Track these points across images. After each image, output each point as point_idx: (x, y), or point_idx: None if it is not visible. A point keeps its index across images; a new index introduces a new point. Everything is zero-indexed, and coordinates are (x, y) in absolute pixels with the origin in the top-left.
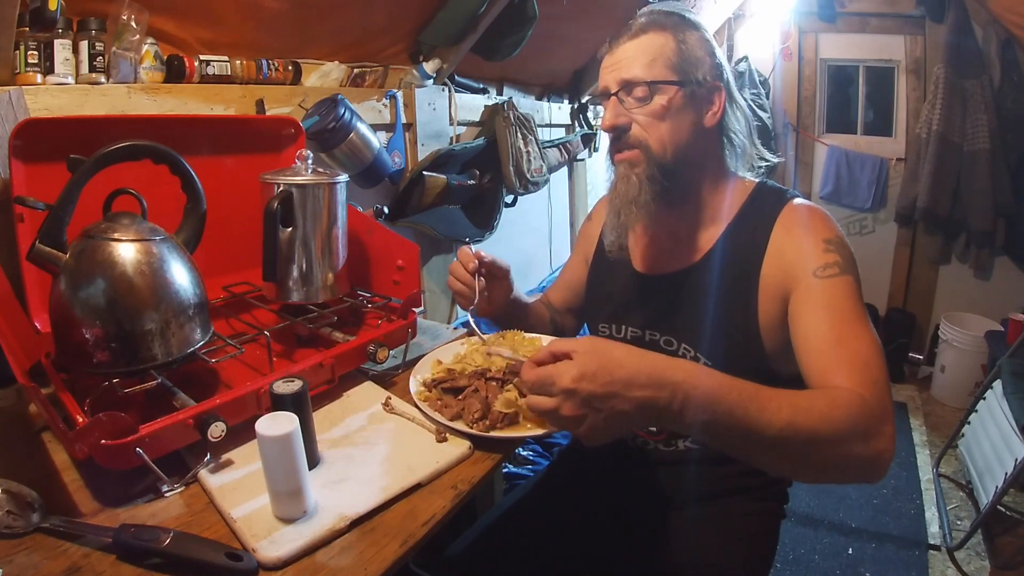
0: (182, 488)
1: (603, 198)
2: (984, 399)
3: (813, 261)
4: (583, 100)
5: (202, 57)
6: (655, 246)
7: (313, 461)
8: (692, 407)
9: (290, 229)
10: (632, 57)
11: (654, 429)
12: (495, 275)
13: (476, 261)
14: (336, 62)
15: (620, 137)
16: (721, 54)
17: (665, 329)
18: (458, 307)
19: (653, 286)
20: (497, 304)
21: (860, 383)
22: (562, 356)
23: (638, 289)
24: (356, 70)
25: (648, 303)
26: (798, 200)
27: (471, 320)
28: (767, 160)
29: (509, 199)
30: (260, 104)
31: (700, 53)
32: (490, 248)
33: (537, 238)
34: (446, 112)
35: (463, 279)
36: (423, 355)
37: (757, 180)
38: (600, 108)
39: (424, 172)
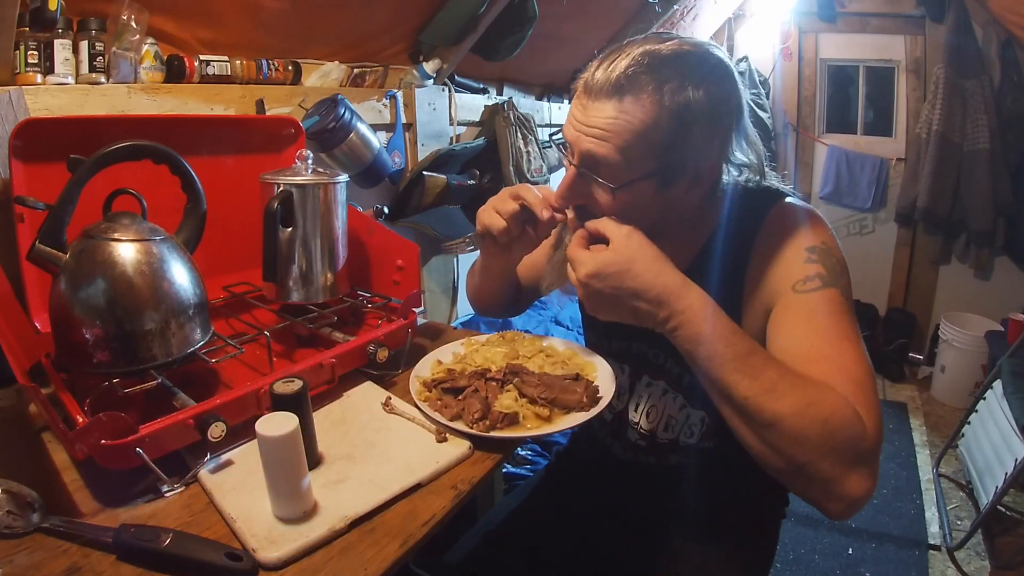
0: (182, 488)
1: None
2: (984, 399)
3: (794, 273)
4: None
5: (202, 57)
6: None
7: (313, 461)
8: (680, 335)
9: (290, 229)
10: (606, 127)
11: (643, 444)
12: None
13: (550, 209)
14: (336, 62)
15: (580, 217)
16: (738, 101)
17: (650, 341)
18: (459, 307)
19: None
20: (504, 260)
21: (850, 392)
22: (600, 239)
23: None
24: (356, 70)
25: None
26: (789, 200)
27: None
28: (774, 184)
29: None
30: (260, 104)
31: (702, 133)
32: None
33: None
34: (446, 112)
35: (532, 203)
36: (423, 355)
37: (744, 181)
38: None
39: (424, 172)
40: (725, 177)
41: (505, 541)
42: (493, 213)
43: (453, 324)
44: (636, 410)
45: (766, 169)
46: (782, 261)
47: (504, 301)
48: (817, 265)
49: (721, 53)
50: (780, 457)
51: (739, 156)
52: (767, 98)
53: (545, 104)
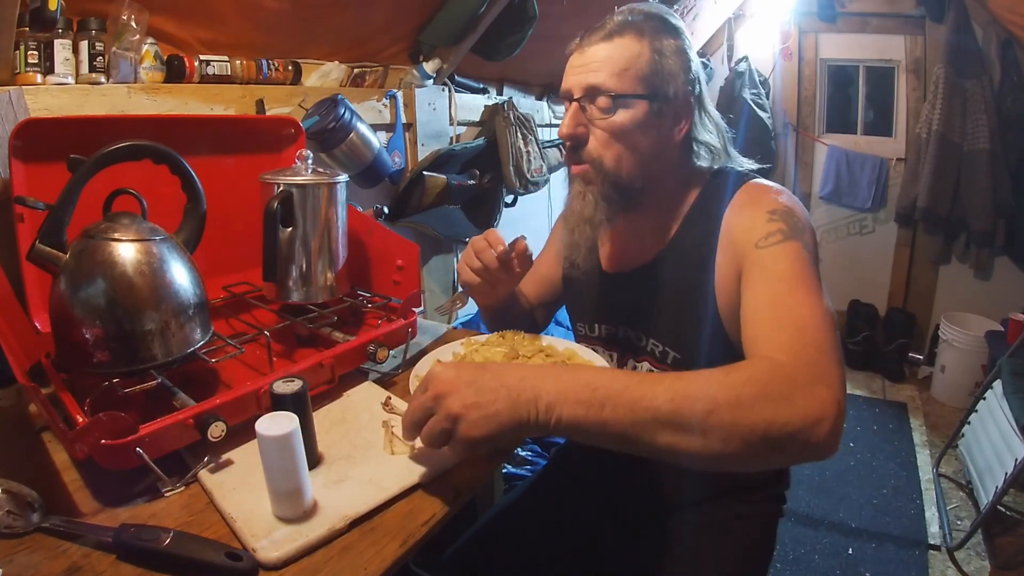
0: (182, 488)
1: None
2: (984, 399)
3: (756, 233)
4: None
5: (202, 57)
6: (620, 245)
7: (313, 461)
8: (558, 406)
9: (290, 229)
10: (602, 61)
11: None
12: (520, 267)
13: (504, 245)
14: (336, 62)
15: (576, 148)
16: (697, 64)
17: (634, 325)
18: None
19: (618, 284)
20: (497, 300)
21: (785, 348)
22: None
23: (606, 288)
24: (356, 70)
25: (615, 301)
26: (758, 180)
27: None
28: (744, 166)
29: (509, 199)
30: (260, 104)
31: (675, 66)
32: None
33: (537, 238)
34: (446, 112)
35: (487, 262)
36: (423, 355)
37: (716, 167)
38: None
39: (424, 172)
40: (697, 162)
41: (504, 537)
42: (467, 270)
43: (453, 324)
44: None
45: (734, 152)
46: (746, 227)
47: (522, 326)
48: (778, 223)
49: (680, 28)
50: (733, 439)
51: (705, 136)
52: (767, 98)
53: (545, 104)
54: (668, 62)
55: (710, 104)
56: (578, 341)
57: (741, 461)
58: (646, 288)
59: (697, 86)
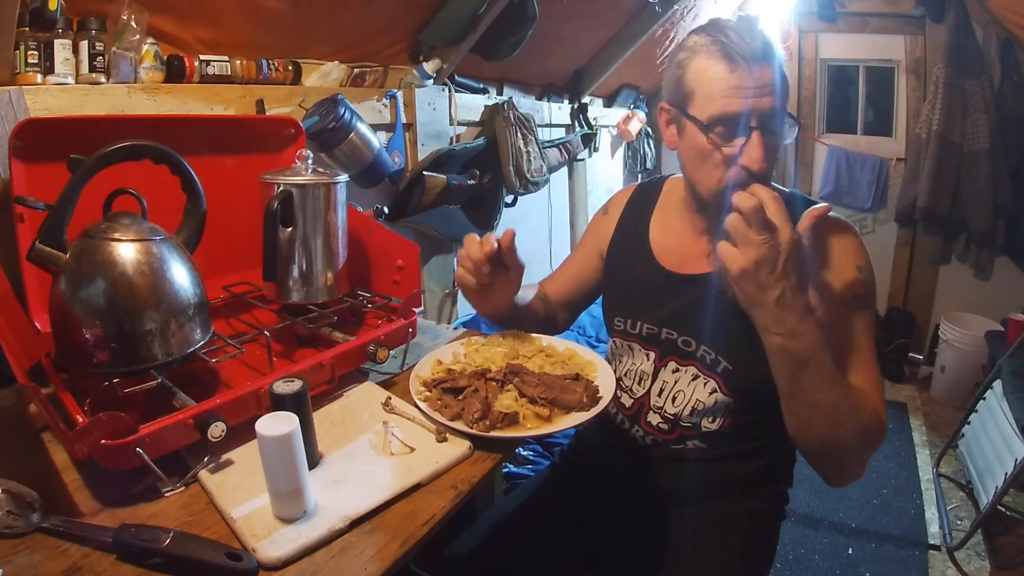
0: (182, 488)
1: (618, 194)
2: (984, 399)
3: (844, 289)
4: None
5: (202, 57)
6: (683, 245)
7: (313, 461)
8: (805, 344)
9: (290, 229)
10: (772, 83)
11: (665, 427)
12: (509, 267)
13: (494, 244)
14: (336, 62)
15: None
16: None
17: (684, 329)
18: (458, 307)
19: (678, 284)
20: (497, 304)
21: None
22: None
23: (661, 286)
24: (356, 70)
25: (669, 301)
26: (833, 214)
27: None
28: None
29: (509, 199)
30: (260, 104)
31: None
32: None
33: (537, 238)
34: (446, 112)
35: (475, 260)
36: (423, 355)
37: (788, 189)
38: (618, 112)
39: (424, 172)
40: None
41: (505, 537)
42: (463, 272)
43: (453, 324)
44: (660, 395)
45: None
46: (835, 273)
47: (536, 328)
48: (863, 284)
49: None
50: (826, 444)
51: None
52: None
53: (545, 104)
54: (787, 84)
55: None
56: (612, 336)
57: (801, 442)
58: (712, 294)
59: None
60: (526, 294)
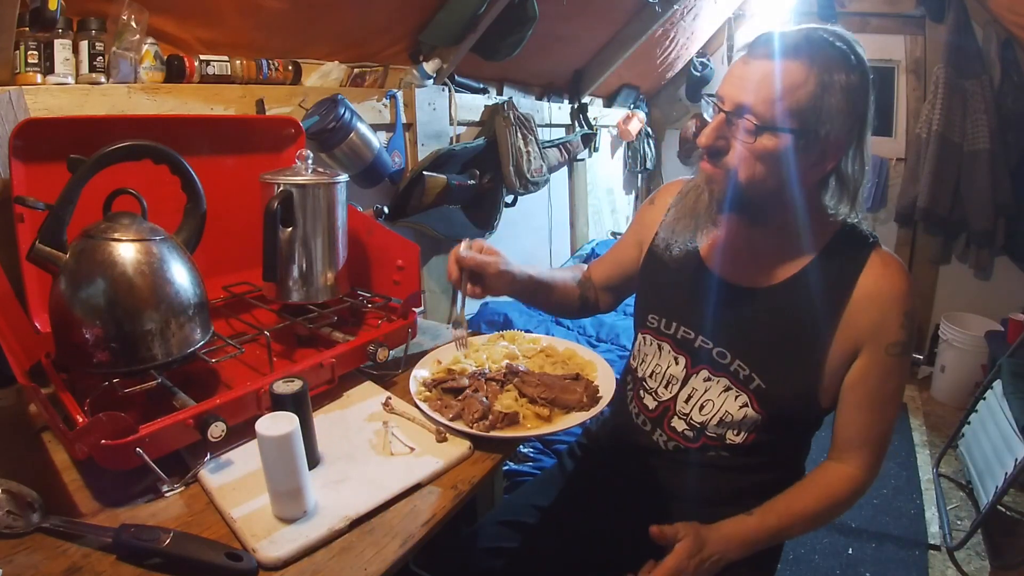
0: (182, 488)
1: (667, 185)
2: (984, 399)
3: (890, 334)
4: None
5: (202, 57)
6: (734, 254)
7: (313, 461)
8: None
9: (290, 229)
10: (759, 82)
11: (690, 435)
12: (485, 271)
13: (457, 269)
14: (336, 62)
15: (714, 155)
16: (868, 105)
17: (722, 341)
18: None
19: (727, 294)
20: (498, 291)
21: (866, 464)
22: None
23: (708, 291)
24: (356, 70)
25: (713, 309)
26: (884, 248)
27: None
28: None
29: (509, 199)
30: (260, 104)
31: (840, 104)
32: None
33: (537, 238)
34: (446, 112)
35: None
36: (423, 355)
37: (840, 218)
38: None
39: (424, 172)
40: (826, 200)
41: (506, 537)
42: (451, 263)
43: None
44: (687, 401)
45: (860, 204)
46: (883, 315)
47: (561, 312)
48: (906, 331)
49: (866, 62)
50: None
51: (846, 178)
52: None
53: (545, 104)
54: (832, 99)
55: (869, 147)
56: (641, 331)
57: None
58: (758, 310)
59: (861, 127)
60: (532, 270)
